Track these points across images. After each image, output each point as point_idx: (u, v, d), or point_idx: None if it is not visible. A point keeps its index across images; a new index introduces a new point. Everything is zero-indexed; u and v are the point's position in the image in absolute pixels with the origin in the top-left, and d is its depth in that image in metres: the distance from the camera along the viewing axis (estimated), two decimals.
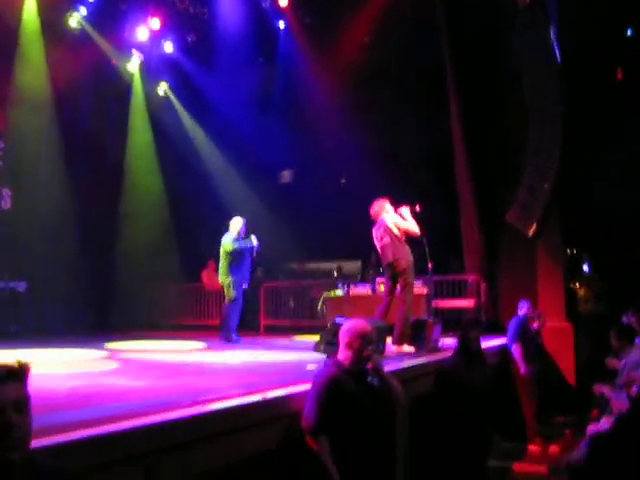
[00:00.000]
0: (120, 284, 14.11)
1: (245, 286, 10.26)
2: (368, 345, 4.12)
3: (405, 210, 8.06)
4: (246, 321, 13.93)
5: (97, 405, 3.72)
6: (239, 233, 10.10)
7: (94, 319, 13.21)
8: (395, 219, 7.93)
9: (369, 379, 4.15)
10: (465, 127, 12.53)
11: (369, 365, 4.14)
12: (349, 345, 4.15)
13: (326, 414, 3.87)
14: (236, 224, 10.17)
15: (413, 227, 7.89)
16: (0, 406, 1.99)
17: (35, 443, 2.48)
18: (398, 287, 7.80)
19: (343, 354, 4.19)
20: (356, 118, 14.11)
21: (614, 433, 3.79)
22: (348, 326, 4.28)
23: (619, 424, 3.78)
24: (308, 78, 14.84)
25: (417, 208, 9.57)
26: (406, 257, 7.76)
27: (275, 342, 10.05)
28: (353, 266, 14.44)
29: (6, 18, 12.09)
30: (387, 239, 7.83)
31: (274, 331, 13.00)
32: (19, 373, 2.08)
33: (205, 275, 14.50)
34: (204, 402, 3.57)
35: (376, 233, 7.99)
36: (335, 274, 13.64)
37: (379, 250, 8.02)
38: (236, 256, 9.98)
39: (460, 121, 12.56)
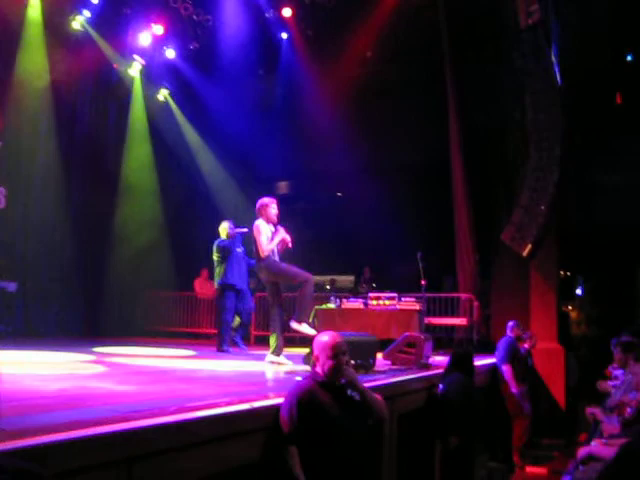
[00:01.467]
0: (113, 289, 14.06)
1: (241, 287, 10.00)
2: (336, 357, 4.09)
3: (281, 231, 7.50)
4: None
5: (83, 407, 3.68)
6: (228, 235, 10.00)
7: (85, 324, 13.16)
8: (256, 226, 7.41)
9: (349, 392, 4.12)
10: (463, 145, 12.59)
11: (343, 378, 4.13)
12: (317, 358, 4.17)
13: (297, 425, 3.84)
14: (224, 228, 10.08)
15: (261, 244, 7.30)
16: None
17: (18, 443, 2.46)
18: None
19: (317, 367, 4.20)
20: (354, 131, 14.15)
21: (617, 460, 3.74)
22: (318, 339, 4.28)
23: (623, 453, 3.72)
24: (309, 90, 14.89)
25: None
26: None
27: (265, 353, 9.96)
28: (346, 280, 14.44)
29: (9, 18, 12.09)
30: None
31: (265, 342, 12.93)
32: None
33: (197, 284, 14.47)
34: (190, 409, 3.53)
35: None
36: (328, 287, 13.64)
37: None
38: (226, 258, 9.82)
39: (459, 138, 12.62)
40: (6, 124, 12.43)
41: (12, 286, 11.72)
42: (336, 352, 4.09)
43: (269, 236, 7.42)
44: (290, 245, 7.58)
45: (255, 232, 7.37)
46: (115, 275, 14.10)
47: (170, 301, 14.78)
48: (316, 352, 4.19)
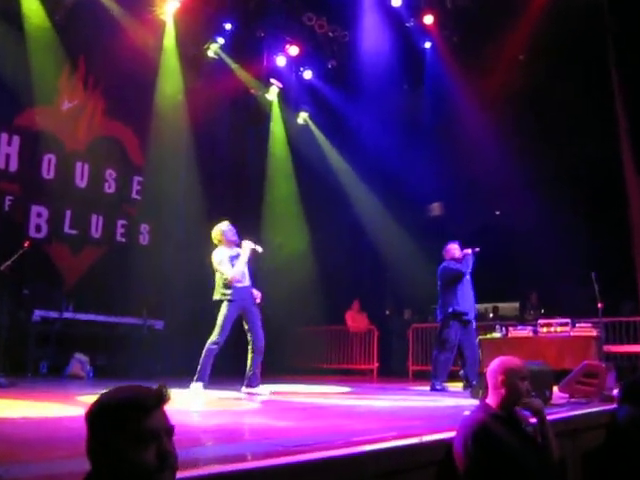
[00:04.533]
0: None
1: (470, 317, 9.29)
2: (513, 383, 3.92)
3: (246, 244, 8.00)
4: (394, 366, 13.88)
5: (245, 442, 3.81)
6: (455, 258, 9.41)
7: (231, 361, 13.56)
8: (215, 255, 7.93)
9: (524, 426, 3.96)
10: (637, 149, 12.06)
11: (525, 410, 3.96)
12: (502, 382, 3.95)
13: (474, 462, 3.74)
14: (450, 249, 9.54)
15: (224, 270, 7.86)
16: (157, 433, 2.02)
17: (186, 474, 2.59)
18: None
19: (492, 396, 4.02)
20: (510, 142, 13.83)
21: None
22: (496, 363, 4.10)
23: None
24: (458, 101, 14.73)
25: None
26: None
27: (425, 388, 9.81)
28: (510, 307, 14.14)
29: (147, 51, 12.89)
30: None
31: (424, 377, 12.79)
32: (165, 400, 2.10)
33: (349, 316, 14.47)
34: (357, 443, 3.56)
35: None
36: (490, 315, 13.41)
37: None
38: (455, 283, 9.17)
39: (630, 141, 12.10)
40: (147, 158, 13.21)
41: (159, 324, 12.35)
42: (512, 377, 3.94)
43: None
44: (260, 250, 8.13)
45: (214, 260, 7.97)
46: (264, 311, 14.45)
47: (321, 336, 14.93)
48: (497, 376, 4.00)
